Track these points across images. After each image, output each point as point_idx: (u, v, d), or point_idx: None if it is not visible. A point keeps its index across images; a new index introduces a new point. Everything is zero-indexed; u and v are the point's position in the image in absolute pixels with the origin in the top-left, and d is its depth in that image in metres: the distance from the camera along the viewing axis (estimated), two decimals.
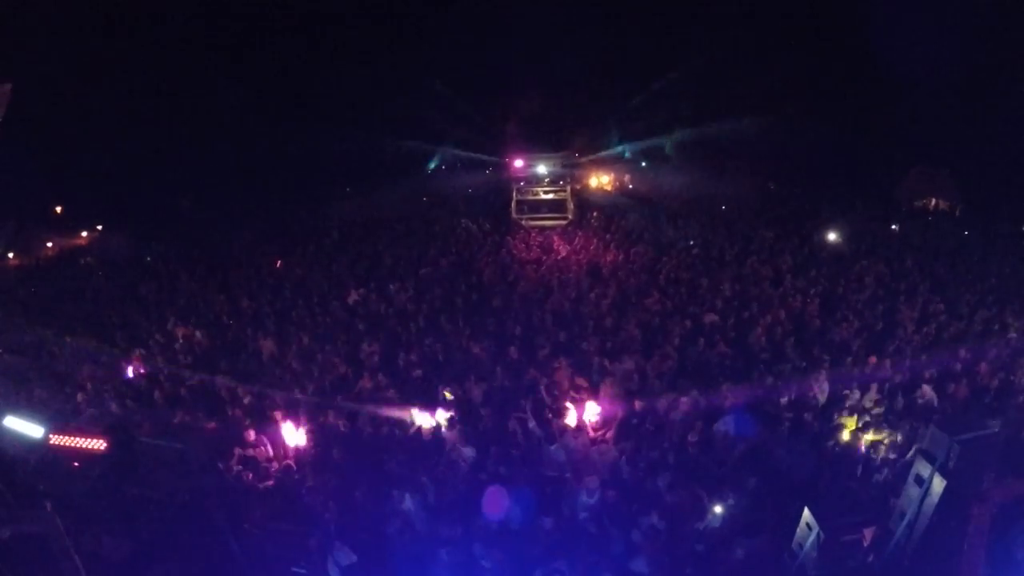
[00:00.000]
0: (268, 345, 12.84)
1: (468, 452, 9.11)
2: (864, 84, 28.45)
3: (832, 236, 20.38)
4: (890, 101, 26.46)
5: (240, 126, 31.05)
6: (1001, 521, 5.04)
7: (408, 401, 10.41)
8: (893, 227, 23.09)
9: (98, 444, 6.72)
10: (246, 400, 10.76)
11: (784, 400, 10.04)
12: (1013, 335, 12.28)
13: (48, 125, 25.01)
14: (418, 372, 11.58)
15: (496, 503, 7.48)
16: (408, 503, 8.05)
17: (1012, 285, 15.29)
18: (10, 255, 23.75)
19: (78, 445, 6.66)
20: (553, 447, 9.13)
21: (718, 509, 7.52)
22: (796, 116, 29.89)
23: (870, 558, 6.35)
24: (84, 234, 27.37)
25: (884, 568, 6.30)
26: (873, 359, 11.04)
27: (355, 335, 13.26)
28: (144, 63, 29.23)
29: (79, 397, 11.03)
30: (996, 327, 12.73)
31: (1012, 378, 10.61)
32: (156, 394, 11.02)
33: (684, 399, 9.86)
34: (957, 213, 26.57)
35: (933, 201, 28.14)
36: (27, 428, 6.39)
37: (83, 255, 22.85)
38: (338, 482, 8.60)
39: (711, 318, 13.21)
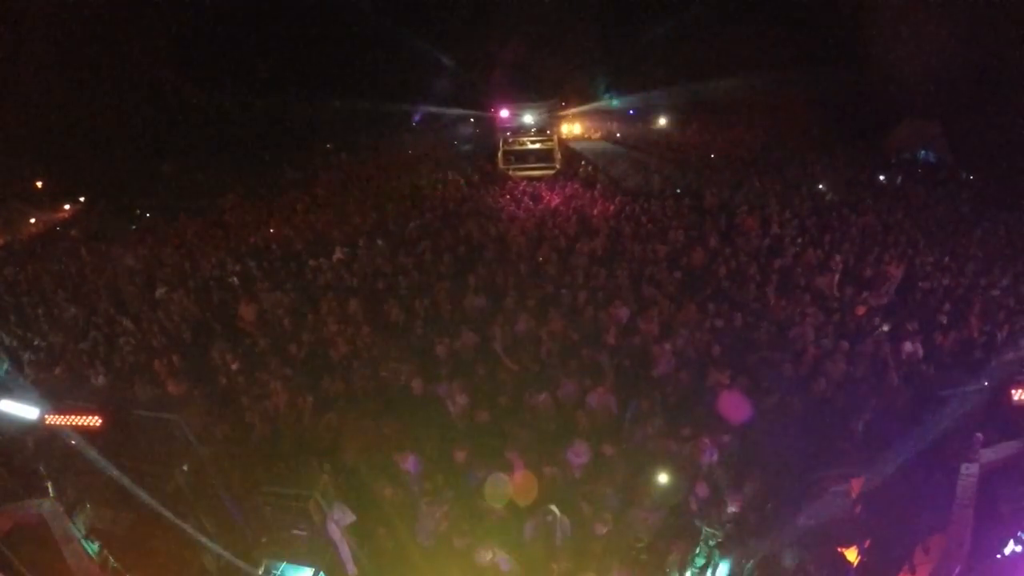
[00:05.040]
0: (249, 310, 12.84)
1: (462, 400, 9.26)
2: (854, 33, 27.88)
3: (820, 186, 20.27)
4: (880, 50, 25.98)
5: (218, 86, 30.41)
6: (988, 476, 5.18)
7: (400, 356, 10.51)
8: (881, 178, 22.96)
9: (93, 421, 6.77)
10: (235, 367, 10.84)
11: (771, 349, 10.15)
12: (997, 292, 12.32)
13: (25, 99, 24.50)
14: (409, 326, 11.65)
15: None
16: (402, 461, 8.22)
17: (1001, 239, 15.31)
18: None
19: (74, 423, 6.70)
20: (543, 397, 9.25)
21: (708, 458, 7.69)
22: (785, 65, 29.42)
23: (857, 509, 6.49)
24: (67, 207, 26.99)
25: (872, 519, 6.45)
26: (860, 309, 11.14)
27: (344, 293, 13.23)
28: (119, 27, 28.45)
29: (71, 374, 11.07)
30: (983, 282, 12.75)
31: (998, 334, 10.72)
32: (155, 364, 11.03)
33: (672, 347, 9.98)
34: (947, 165, 26.41)
35: (923, 153, 27.94)
36: (22, 410, 6.41)
37: (67, 228, 22.61)
38: (334, 443, 8.75)
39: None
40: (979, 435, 5.44)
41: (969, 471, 5.34)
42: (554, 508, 7.08)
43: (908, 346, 10.26)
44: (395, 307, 12.23)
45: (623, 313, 11.27)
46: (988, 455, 5.40)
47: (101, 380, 10.69)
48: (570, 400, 9.29)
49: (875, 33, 25.87)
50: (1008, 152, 22.57)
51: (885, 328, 10.82)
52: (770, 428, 8.22)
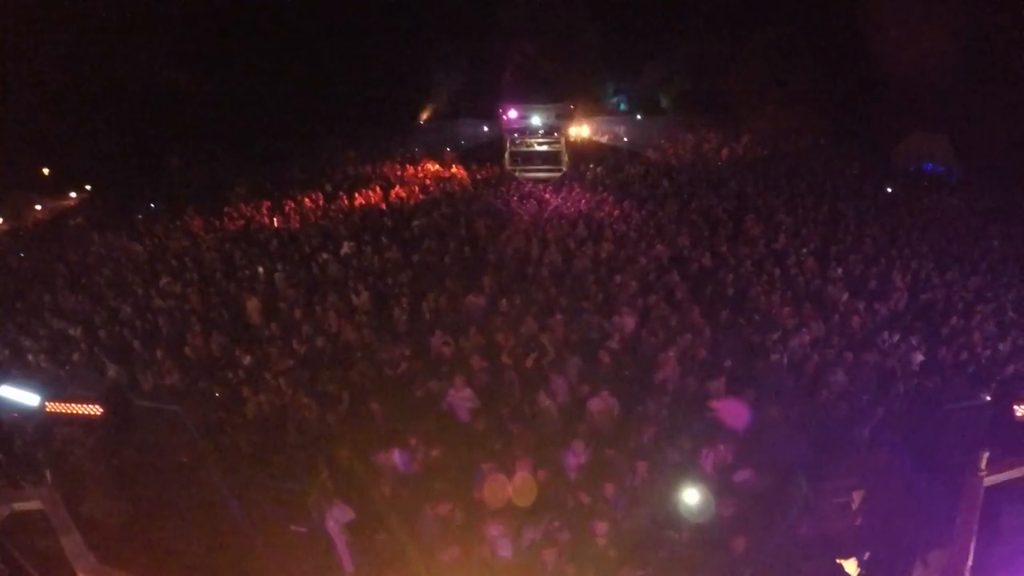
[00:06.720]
0: (254, 304, 12.81)
1: (466, 403, 9.22)
2: (863, 45, 27.86)
3: (827, 197, 20.21)
4: (889, 64, 25.97)
5: (228, 80, 30.45)
6: (992, 491, 5.13)
7: (403, 354, 10.47)
8: (889, 190, 22.91)
9: (94, 410, 6.74)
10: (246, 361, 10.81)
11: (775, 358, 10.10)
12: (1002, 305, 12.26)
13: (32, 88, 24.54)
14: (412, 324, 11.62)
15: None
16: (399, 460, 8.18)
17: (1006, 252, 15.24)
18: None
19: (74, 411, 6.68)
20: (547, 401, 9.21)
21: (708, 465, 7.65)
22: (793, 75, 29.40)
23: (858, 521, 6.44)
24: (73, 196, 27.02)
25: (873, 531, 6.40)
26: (856, 318, 11.10)
27: (347, 288, 13.22)
28: (132, 18, 28.54)
29: (74, 361, 11.06)
30: (988, 295, 12.69)
31: (1001, 347, 10.66)
32: (158, 354, 11.02)
33: (675, 355, 9.93)
34: (954, 178, 26.35)
35: (930, 165, 27.89)
36: (23, 397, 6.39)
37: (73, 217, 22.59)
38: (333, 440, 8.72)
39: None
40: (985, 451, 5.39)
41: (973, 483, 5.29)
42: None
43: (912, 358, 10.22)
44: (399, 304, 12.20)
45: (627, 318, 11.22)
46: (993, 473, 5.35)
47: (104, 369, 10.67)
48: (572, 403, 9.24)
49: (884, 44, 25.84)
50: (1016, 164, 22.53)
51: (891, 339, 10.76)
52: (772, 437, 8.17)
